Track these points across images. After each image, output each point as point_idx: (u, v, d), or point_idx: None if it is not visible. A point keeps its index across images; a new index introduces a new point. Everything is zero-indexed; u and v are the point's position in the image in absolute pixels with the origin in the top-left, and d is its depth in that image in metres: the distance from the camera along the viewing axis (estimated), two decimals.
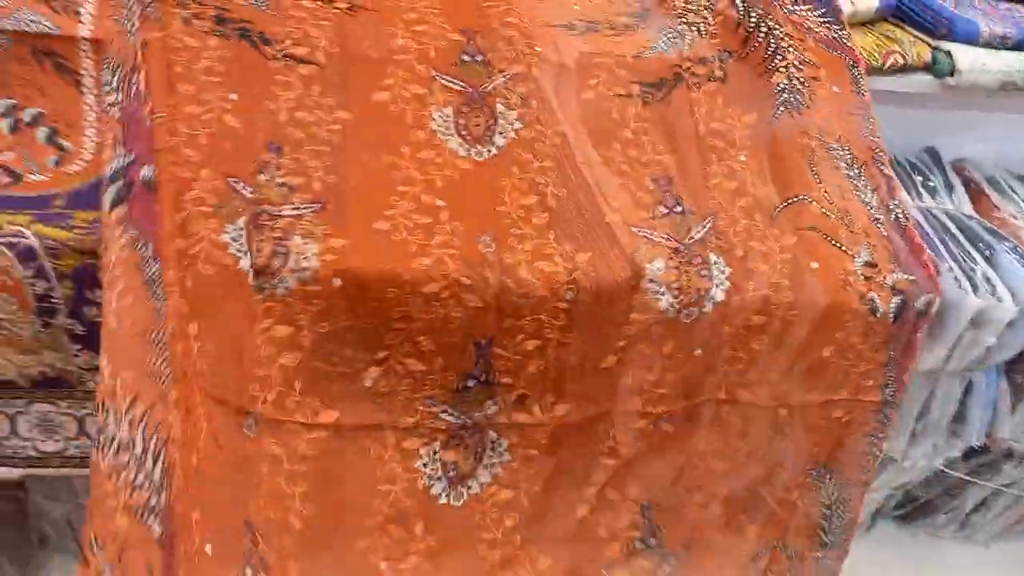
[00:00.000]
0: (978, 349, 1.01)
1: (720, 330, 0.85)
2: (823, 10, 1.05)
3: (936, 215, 1.12)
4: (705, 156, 0.92)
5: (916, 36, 1.15)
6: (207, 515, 0.73)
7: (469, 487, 0.82)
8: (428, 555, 0.81)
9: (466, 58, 0.89)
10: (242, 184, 0.75)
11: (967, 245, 1.06)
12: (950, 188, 1.19)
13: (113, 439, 0.72)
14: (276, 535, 0.75)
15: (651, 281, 0.82)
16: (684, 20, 1.00)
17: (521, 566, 0.85)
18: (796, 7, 1.03)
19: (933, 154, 1.25)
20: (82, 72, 0.89)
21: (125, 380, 0.72)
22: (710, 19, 1.00)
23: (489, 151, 0.86)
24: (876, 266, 0.90)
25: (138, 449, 0.71)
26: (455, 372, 0.79)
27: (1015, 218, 1.16)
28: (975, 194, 1.21)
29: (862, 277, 0.89)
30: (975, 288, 0.98)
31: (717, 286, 0.84)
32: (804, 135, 0.96)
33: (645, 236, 0.84)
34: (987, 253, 1.05)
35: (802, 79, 0.99)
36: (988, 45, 1.13)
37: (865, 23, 1.16)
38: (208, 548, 0.73)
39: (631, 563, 0.89)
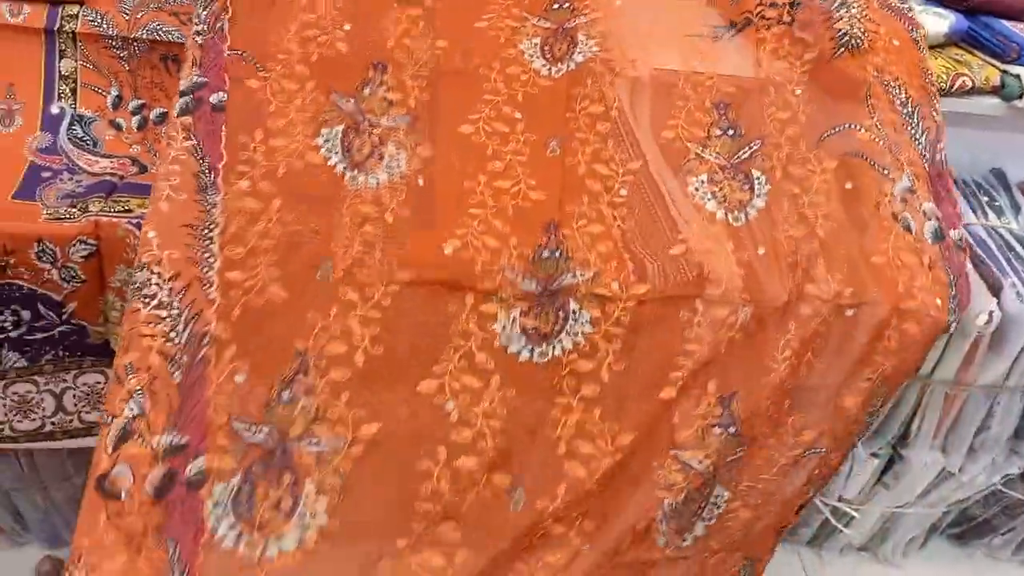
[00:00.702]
0: None
1: (773, 235, 0.93)
2: None
3: (1000, 232, 1.14)
4: (764, 88, 1.04)
5: (985, 60, 1.17)
6: (244, 348, 0.79)
7: (552, 348, 0.86)
8: (503, 402, 0.84)
9: (556, 6, 1.06)
10: (344, 97, 0.92)
11: None
12: (1016, 208, 1.20)
13: (154, 296, 0.78)
14: (334, 367, 0.81)
15: (696, 189, 0.96)
16: None
17: (601, 438, 0.86)
18: None
19: (1000, 175, 1.27)
20: None
21: (172, 256, 0.79)
22: None
23: (568, 67, 1.01)
24: (915, 192, 0.98)
25: (175, 311, 0.78)
26: (529, 247, 0.88)
27: None
28: None
29: (899, 200, 0.97)
30: None
31: (758, 196, 0.97)
32: (862, 69, 1.05)
33: (696, 153, 0.98)
34: None
35: (863, 29, 1.07)
36: None
37: (934, 47, 1.18)
38: (238, 377, 0.79)
39: (706, 441, 0.90)
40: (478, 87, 0.98)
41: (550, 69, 1.01)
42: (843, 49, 1.05)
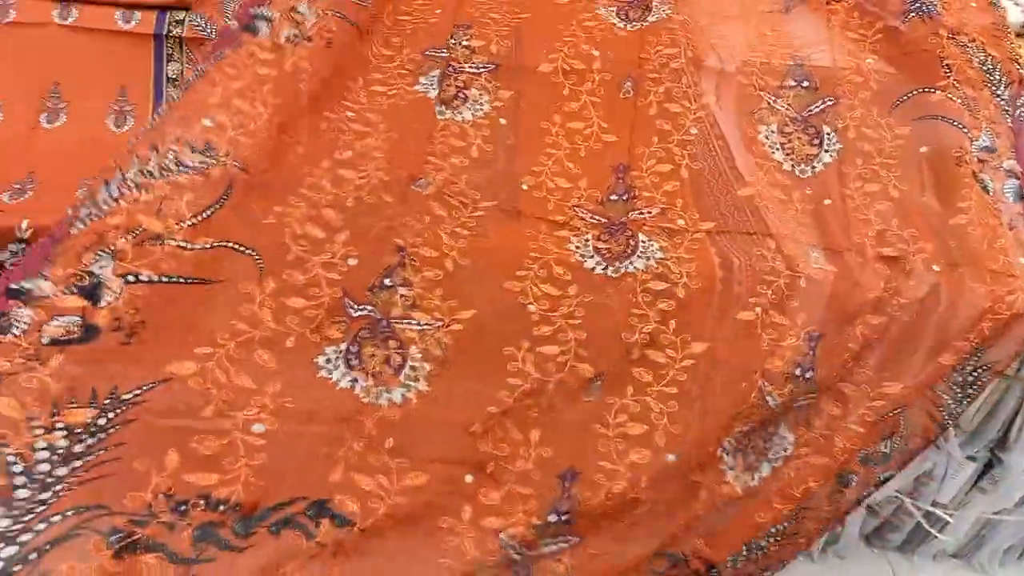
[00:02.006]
0: None
1: (842, 190, 0.96)
2: None
3: None
4: (837, 52, 1.08)
5: None
6: (355, 235, 0.86)
7: (624, 266, 0.88)
8: (581, 306, 0.86)
9: None
10: (435, 49, 1.04)
11: None
12: None
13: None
14: (427, 266, 0.86)
15: (766, 138, 1.01)
16: None
17: (671, 347, 0.87)
18: None
19: None
20: None
21: (216, 119, 0.85)
22: None
23: (642, 23, 1.10)
24: (995, 150, 0.98)
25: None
26: (599, 190, 0.94)
27: None
28: None
29: (976, 159, 0.98)
30: None
31: (826, 151, 1.00)
32: (935, 35, 1.07)
33: (768, 103, 1.03)
34: None
35: None
36: None
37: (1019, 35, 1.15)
38: (351, 260, 0.85)
39: (785, 386, 0.87)
40: (558, 35, 1.07)
41: (626, 25, 1.10)
42: (914, 13, 1.08)
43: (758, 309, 0.87)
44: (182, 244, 0.77)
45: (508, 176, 0.94)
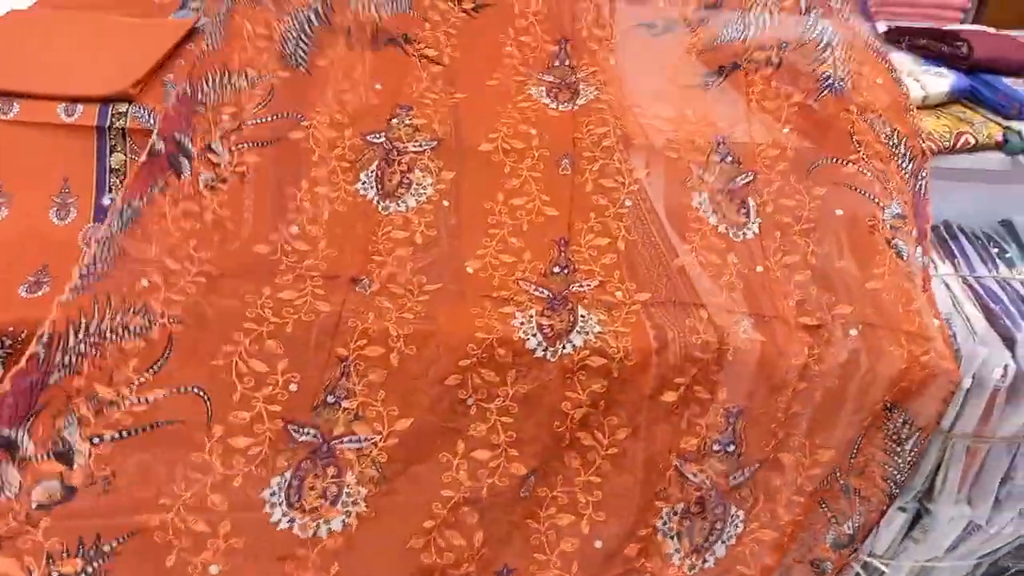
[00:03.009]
0: None
1: (766, 263, 1.00)
2: (869, 25, 1.28)
3: (1014, 285, 1.16)
4: (755, 127, 1.14)
5: (987, 117, 1.21)
6: (296, 361, 0.87)
7: (564, 347, 0.90)
8: (515, 399, 0.90)
9: (557, 63, 1.20)
10: (375, 134, 1.05)
11: None
12: None
13: None
14: (372, 368, 0.88)
15: (699, 205, 1.05)
16: (752, 11, 1.24)
17: (599, 430, 0.92)
18: (850, 16, 1.25)
19: (1008, 226, 1.29)
20: None
21: (151, 279, 0.88)
22: (776, 13, 1.23)
23: (573, 105, 1.15)
24: (906, 217, 1.04)
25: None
26: (542, 262, 0.98)
27: None
28: None
29: (889, 226, 1.03)
30: None
31: (752, 223, 1.05)
32: (846, 111, 1.13)
33: (698, 175, 1.08)
34: None
35: (847, 70, 1.17)
36: None
37: (937, 106, 1.23)
38: (292, 387, 0.87)
39: (704, 461, 0.93)
40: (495, 116, 1.10)
41: (558, 106, 1.15)
42: (827, 91, 1.14)
43: (682, 388, 0.91)
44: (136, 401, 0.82)
45: (452, 258, 0.97)
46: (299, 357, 0.87)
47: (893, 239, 1.02)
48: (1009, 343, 1.04)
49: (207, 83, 1.03)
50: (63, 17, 1.20)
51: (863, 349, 0.94)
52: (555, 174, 1.06)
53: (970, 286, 1.15)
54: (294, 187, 0.98)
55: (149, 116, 1.02)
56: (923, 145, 1.11)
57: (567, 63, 1.20)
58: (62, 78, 1.04)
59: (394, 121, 1.07)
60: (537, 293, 0.94)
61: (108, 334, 0.83)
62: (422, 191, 1.02)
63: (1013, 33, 1.59)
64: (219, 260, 0.90)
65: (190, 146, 0.97)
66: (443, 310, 0.91)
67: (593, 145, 1.10)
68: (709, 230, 1.03)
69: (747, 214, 1.05)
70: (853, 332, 0.95)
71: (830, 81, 1.15)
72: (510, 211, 1.01)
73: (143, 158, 0.95)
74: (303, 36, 1.13)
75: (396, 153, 1.04)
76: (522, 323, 0.91)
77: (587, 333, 0.91)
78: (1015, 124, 1.18)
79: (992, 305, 1.10)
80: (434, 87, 1.14)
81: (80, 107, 1.02)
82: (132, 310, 0.84)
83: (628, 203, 1.04)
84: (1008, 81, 1.25)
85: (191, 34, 1.19)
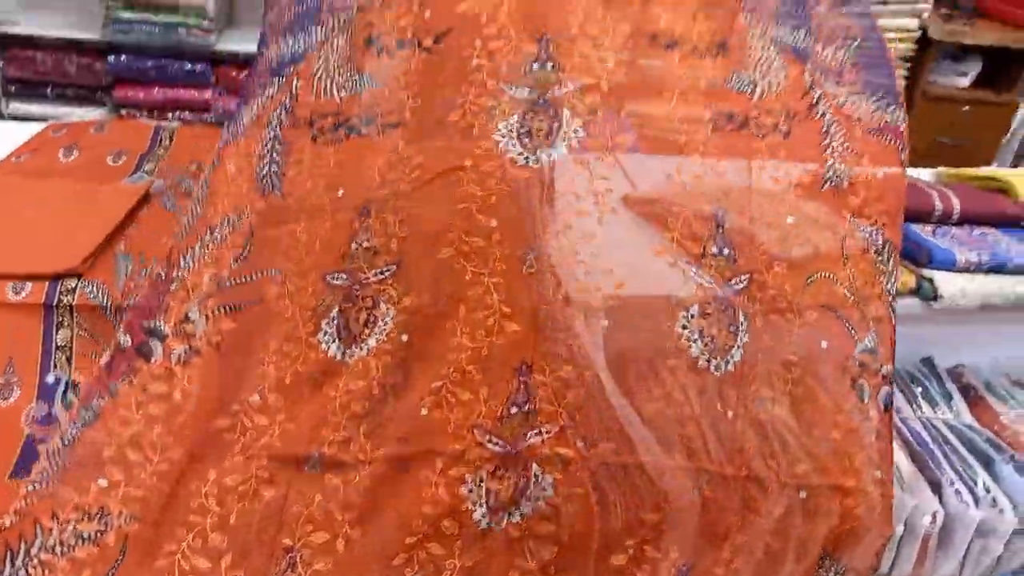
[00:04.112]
0: (987, 558, 1.08)
1: (744, 392, 0.94)
2: (879, 95, 1.12)
3: (937, 426, 1.22)
4: (756, 209, 0.99)
5: (901, 264, 1.30)
6: (239, 554, 0.84)
7: (512, 515, 0.87)
8: (462, 571, 0.86)
9: (536, 66, 0.98)
10: (336, 275, 0.95)
11: (968, 457, 1.16)
12: (948, 397, 1.30)
13: None
14: (318, 557, 0.84)
15: (684, 327, 0.93)
16: (758, 71, 1.07)
17: None
18: (848, 99, 1.11)
19: (930, 364, 1.37)
20: None
21: (111, 477, 0.87)
22: (782, 79, 1.07)
23: (549, 154, 0.93)
24: (876, 353, 1.00)
25: None
26: (500, 400, 0.88)
27: (1014, 424, 1.26)
28: (974, 400, 1.32)
29: (858, 364, 0.99)
30: (977, 501, 1.07)
31: (737, 347, 0.94)
32: (840, 214, 1.03)
33: (694, 274, 0.94)
34: (988, 464, 1.14)
35: (845, 165, 1.05)
36: (965, 271, 1.27)
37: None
38: None
39: None
40: (453, 203, 0.93)
41: (527, 158, 0.93)
42: (828, 183, 1.04)
43: (632, 550, 0.92)
44: None
45: (408, 406, 0.90)
46: (243, 550, 0.85)
47: (858, 379, 1.00)
48: (936, 487, 1.10)
49: (186, 257, 0.99)
50: (13, 186, 1.22)
51: (802, 504, 0.97)
52: (519, 274, 0.90)
53: (896, 428, 1.21)
54: (262, 351, 0.93)
55: (98, 291, 1.04)
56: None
57: (549, 64, 0.98)
58: (11, 255, 1.06)
59: (352, 246, 0.95)
60: (491, 446, 0.89)
61: (60, 547, 0.81)
62: (382, 327, 0.92)
63: (922, 172, 1.72)
64: (180, 441, 0.89)
65: (163, 327, 0.93)
66: (391, 482, 0.90)
67: (566, 228, 0.92)
68: (686, 366, 0.93)
69: (735, 332, 0.94)
70: (793, 483, 0.96)
71: (831, 172, 1.05)
72: (471, 330, 0.90)
73: (104, 358, 0.93)
74: (276, 145, 1.04)
75: (359, 287, 0.94)
76: (471, 490, 0.89)
77: (538, 499, 0.89)
78: (926, 272, 1.27)
79: (918, 448, 1.16)
80: (392, 160, 0.98)
81: (29, 285, 1.03)
82: (87, 515, 0.83)
83: (605, 322, 0.91)
84: (917, 228, 1.35)
85: (145, 199, 1.22)
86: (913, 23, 2.73)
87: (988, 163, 3.09)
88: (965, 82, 2.95)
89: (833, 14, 1.14)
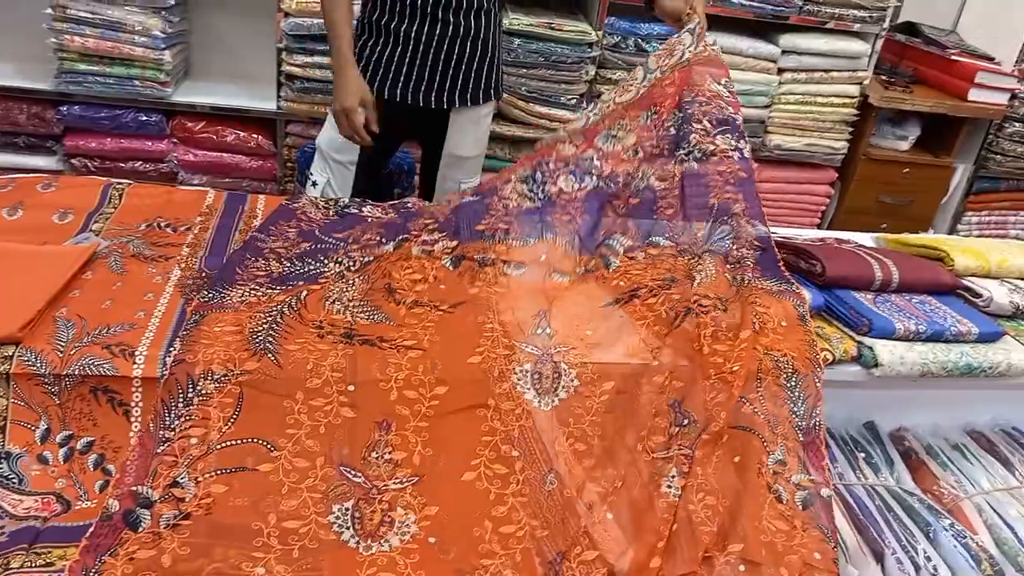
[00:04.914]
0: None
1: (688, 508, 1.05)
2: (771, 273, 1.35)
3: (880, 492, 1.25)
4: (706, 372, 1.15)
5: (843, 331, 1.34)
6: None
7: None
8: None
9: (539, 331, 1.18)
10: (352, 471, 1.00)
11: (910, 525, 1.18)
12: (890, 463, 1.33)
13: None
14: None
15: (669, 487, 1.05)
16: (699, 271, 1.28)
17: None
18: (758, 280, 1.32)
19: (872, 429, 1.40)
20: (132, 404, 1.04)
21: None
22: (712, 272, 1.28)
23: (555, 398, 1.12)
24: (786, 464, 1.11)
25: None
26: None
27: (953, 489, 1.29)
28: (915, 464, 1.35)
29: (772, 472, 1.10)
30: (917, 570, 1.09)
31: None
32: (758, 347, 1.19)
33: (662, 457, 1.08)
34: (928, 532, 1.16)
35: (755, 312, 1.23)
36: (904, 339, 1.31)
37: None
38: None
39: None
40: (476, 437, 1.06)
41: (540, 403, 1.11)
42: (751, 330, 1.20)
43: None
44: None
45: None
46: None
47: (774, 484, 1.10)
48: (879, 558, 1.11)
49: (172, 410, 0.99)
50: None
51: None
52: (541, 492, 1.03)
53: (839, 495, 1.23)
54: (261, 521, 0.94)
55: (36, 359, 1.01)
56: (818, 384, 1.20)
57: (547, 330, 1.19)
58: None
59: (373, 456, 1.02)
60: None
61: None
62: (405, 529, 0.98)
63: (863, 238, 1.78)
64: None
65: (151, 494, 0.93)
66: None
67: (574, 462, 1.08)
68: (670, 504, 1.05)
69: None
70: (741, 568, 1.01)
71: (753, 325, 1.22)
72: (500, 540, 0.98)
73: (87, 536, 0.90)
74: (273, 326, 1.09)
75: (376, 492, 1.00)
76: None
77: None
78: (866, 340, 1.31)
79: (861, 516, 1.18)
80: (414, 376, 1.08)
81: None
82: None
83: (610, 516, 1.04)
84: (858, 296, 1.39)
85: (90, 260, 1.20)
86: (855, 89, 2.86)
87: (929, 220, 3.22)
88: (905, 145, 3.08)
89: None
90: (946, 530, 1.17)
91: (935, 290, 1.47)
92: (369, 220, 1.40)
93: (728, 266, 1.31)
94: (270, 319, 1.11)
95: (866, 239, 1.78)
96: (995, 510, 1.26)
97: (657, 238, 1.36)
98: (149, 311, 1.12)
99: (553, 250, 1.33)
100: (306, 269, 1.23)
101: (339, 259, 1.26)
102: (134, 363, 1.03)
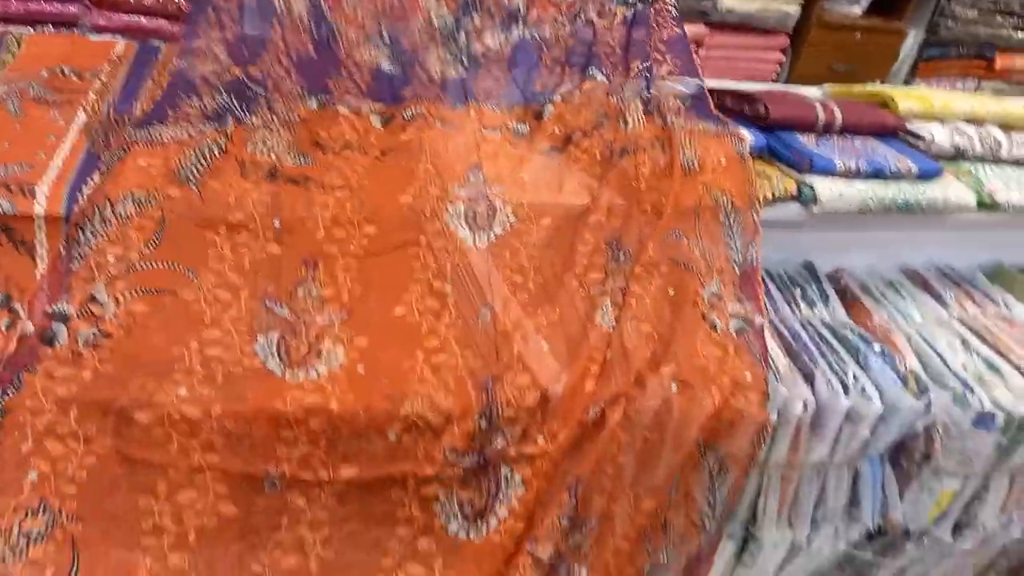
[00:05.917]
0: (856, 442, 1.14)
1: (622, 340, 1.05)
2: (705, 116, 1.33)
3: (814, 325, 1.27)
4: (643, 208, 1.16)
5: (784, 171, 1.33)
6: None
7: (488, 522, 0.91)
8: None
9: (471, 178, 1.14)
10: (277, 303, 0.97)
11: (840, 350, 1.21)
12: (826, 298, 1.35)
13: None
14: None
15: (602, 318, 1.05)
16: (625, 118, 1.25)
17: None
18: (692, 123, 1.30)
19: (810, 268, 1.42)
20: (35, 244, 0.98)
21: (39, 469, 0.84)
22: (640, 117, 1.26)
23: (490, 233, 1.09)
24: (721, 297, 1.13)
25: None
26: (470, 419, 0.93)
27: (885, 323, 1.32)
28: (850, 302, 1.38)
29: (708, 303, 1.11)
30: (846, 390, 1.12)
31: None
32: (697, 185, 1.19)
33: (600, 289, 1.08)
34: (858, 357, 1.20)
35: (695, 152, 1.22)
36: (844, 176, 1.31)
37: None
38: None
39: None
40: (409, 274, 1.03)
41: (475, 240, 1.08)
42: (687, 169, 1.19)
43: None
44: None
45: (373, 429, 0.91)
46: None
47: (710, 314, 1.11)
48: (808, 379, 1.14)
49: (86, 229, 0.94)
50: None
51: (677, 398, 1.01)
52: (475, 325, 1.02)
53: (774, 328, 1.25)
54: (182, 346, 0.91)
55: None
56: (756, 219, 1.19)
57: (479, 174, 1.15)
58: None
59: (300, 292, 0.99)
60: (463, 463, 0.93)
61: (13, 554, 0.78)
62: (334, 359, 0.95)
63: (810, 89, 1.76)
64: (104, 431, 0.84)
65: (68, 308, 0.89)
66: (358, 504, 0.89)
67: (514, 294, 1.06)
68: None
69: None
70: (673, 387, 1.02)
71: (686, 161, 1.21)
72: (432, 369, 0.97)
73: (7, 351, 0.86)
74: (200, 159, 1.05)
75: (303, 325, 0.97)
76: (444, 505, 0.94)
77: (510, 499, 0.95)
78: (807, 178, 1.30)
79: (794, 344, 1.21)
80: (342, 215, 1.05)
81: None
82: (31, 512, 0.79)
83: (546, 346, 1.03)
84: (801, 138, 1.37)
85: None
86: None
87: None
88: (858, 10, 3.02)
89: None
90: (876, 355, 1.20)
91: (878, 132, 1.46)
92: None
93: (657, 111, 1.29)
94: (198, 152, 1.05)
95: (811, 91, 1.76)
96: (925, 340, 1.30)
97: (594, 70, 1.31)
98: (50, 152, 1.05)
99: (481, 113, 1.28)
100: (237, 103, 1.16)
101: (262, 113, 1.17)
102: (35, 200, 0.97)
